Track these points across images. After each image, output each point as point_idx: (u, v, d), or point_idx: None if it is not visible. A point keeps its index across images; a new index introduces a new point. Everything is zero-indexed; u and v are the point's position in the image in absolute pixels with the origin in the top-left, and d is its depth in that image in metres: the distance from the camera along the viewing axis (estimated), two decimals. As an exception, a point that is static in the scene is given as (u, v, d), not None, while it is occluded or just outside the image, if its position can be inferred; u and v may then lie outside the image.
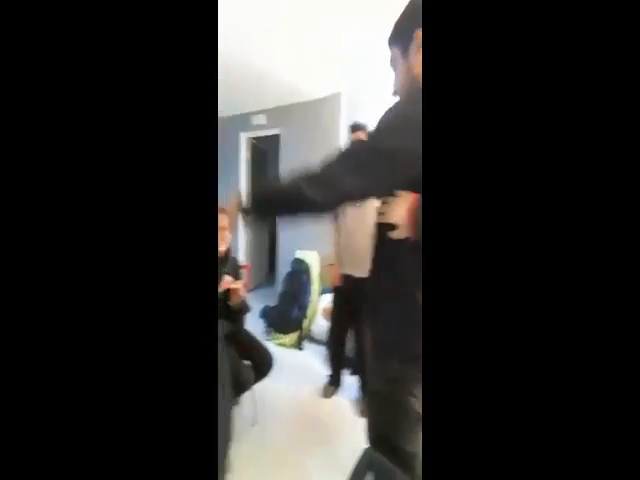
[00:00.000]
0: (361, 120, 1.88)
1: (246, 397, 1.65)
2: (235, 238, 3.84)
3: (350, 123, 1.90)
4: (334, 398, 1.99)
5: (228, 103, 3.43)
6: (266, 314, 2.88)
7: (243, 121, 3.81)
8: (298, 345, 2.68)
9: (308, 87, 2.90)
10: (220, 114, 3.87)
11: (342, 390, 2.04)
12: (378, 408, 0.68)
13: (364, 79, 2.68)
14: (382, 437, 0.65)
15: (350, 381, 2.07)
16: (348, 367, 2.17)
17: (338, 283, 1.90)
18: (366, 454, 0.61)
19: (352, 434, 1.55)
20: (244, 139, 3.88)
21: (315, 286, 2.90)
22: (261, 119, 3.64)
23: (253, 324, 2.66)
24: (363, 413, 1.74)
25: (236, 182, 3.93)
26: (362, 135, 1.79)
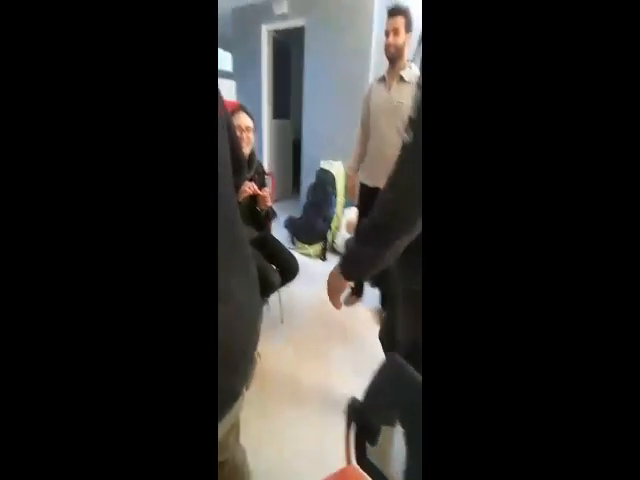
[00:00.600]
0: (401, 2, 1.58)
1: (273, 298, 1.76)
2: (258, 142, 3.70)
3: (388, 6, 1.60)
4: (356, 306, 2.09)
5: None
6: (290, 224, 2.92)
7: (264, 11, 3.34)
8: (322, 256, 2.76)
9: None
10: (237, 2, 3.39)
11: (363, 300, 2.14)
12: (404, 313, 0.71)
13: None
14: (409, 341, 0.69)
15: (371, 292, 2.15)
16: (370, 279, 2.25)
17: (356, 194, 1.85)
18: (388, 364, 0.63)
19: (372, 338, 1.67)
20: (265, 32, 3.46)
21: (340, 198, 2.85)
22: (283, 6, 3.17)
23: (277, 233, 2.74)
24: (380, 320, 1.84)
25: (257, 83, 3.64)
26: (401, 22, 1.52)
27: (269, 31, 3.47)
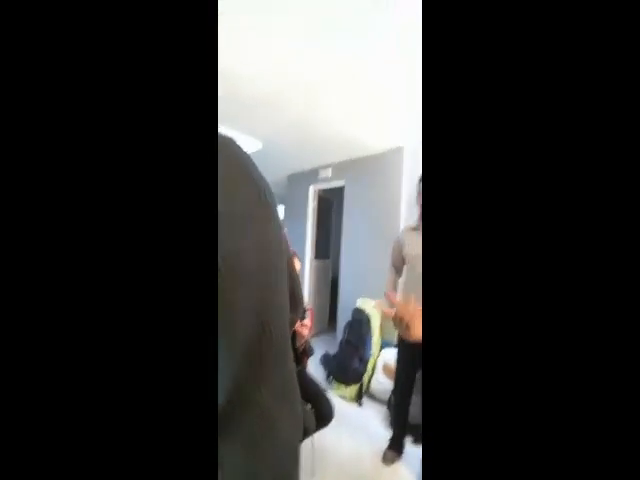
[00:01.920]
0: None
1: (306, 444, 1.60)
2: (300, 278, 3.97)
3: (418, 175, 1.97)
4: (396, 466, 1.83)
5: (298, 159, 3.74)
6: (327, 361, 2.84)
7: (312, 175, 4.10)
8: (358, 400, 2.57)
9: (372, 141, 3.05)
10: (292, 171, 4.23)
11: (404, 459, 1.87)
12: None
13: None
14: None
15: (413, 451, 1.90)
16: (411, 434, 2.01)
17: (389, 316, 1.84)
18: None
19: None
20: (312, 191, 4.15)
21: (375, 338, 2.81)
22: (327, 172, 3.88)
23: (313, 370, 2.64)
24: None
25: (303, 230, 4.16)
26: None
27: (315, 190, 4.16)
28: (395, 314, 0.77)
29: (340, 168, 3.74)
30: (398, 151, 3.11)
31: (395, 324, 0.78)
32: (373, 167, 3.37)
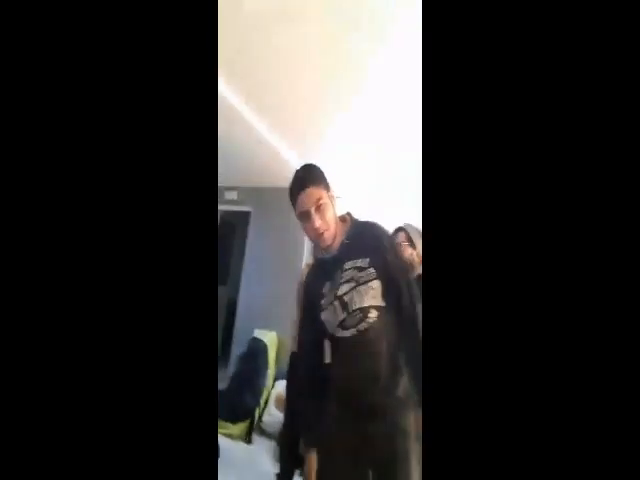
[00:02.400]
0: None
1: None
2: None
3: None
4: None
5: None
6: (214, 399, 2.64)
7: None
8: (247, 437, 2.43)
9: (284, 173, 3.12)
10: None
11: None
12: None
13: (337, 171, 2.96)
14: None
15: (301, 483, 1.87)
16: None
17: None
18: None
19: None
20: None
21: (270, 370, 2.76)
22: (233, 195, 3.80)
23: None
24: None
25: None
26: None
27: (219, 211, 3.99)
28: None
29: (247, 193, 3.70)
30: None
31: None
32: (282, 198, 3.42)
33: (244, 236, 3.74)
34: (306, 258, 3.05)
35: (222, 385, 2.79)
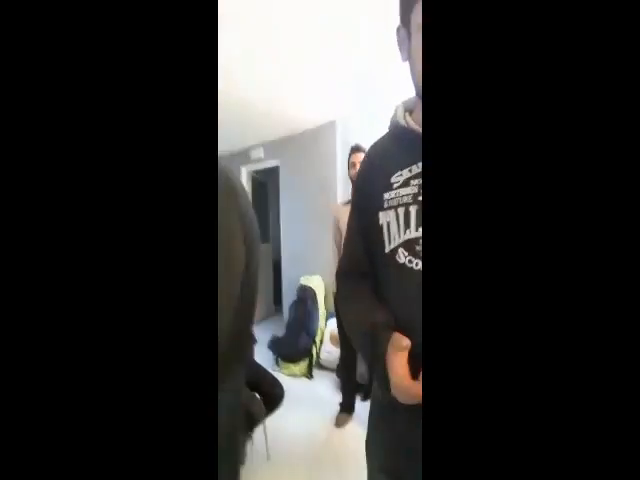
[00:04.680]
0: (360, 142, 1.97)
1: (258, 432, 1.61)
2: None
3: (352, 145, 2.00)
4: (348, 427, 1.91)
5: (227, 140, 3.56)
6: (274, 345, 2.84)
7: (243, 156, 3.94)
8: (308, 373, 2.62)
9: (303, 118, 3.01)
10: (220, 152, 4.01)
11: (355, 417, 1.97)
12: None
13: (357, 105, 2.78)
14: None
15: (362, 406, 2.00)
16: (360, 392, 2.12)
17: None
18: None
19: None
20: (245, 173, 3.99)
21: (321, 311, 2.87)
22: (259, 152, 3.76)
23: (262, 356, 2.62)
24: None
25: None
26: (361, 157, 1.87)
27: (248, 172, 4.01)
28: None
29: (272, 147, 3.65)
30: (330, 125, 3.09)
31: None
32: (306, 144, 3.33)
33: (277, 191, 3.75)
34: (340, 199, 3.00)
35: (280, 332, 2.99)
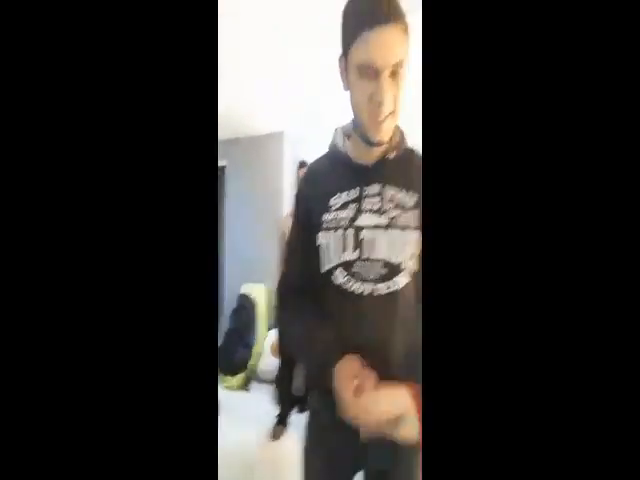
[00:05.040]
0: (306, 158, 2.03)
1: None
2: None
3: (298, 160, 2.07)
4: (283, 439, 1.89)
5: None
6: (210, 354, 2.72)
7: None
8: (245, 386, 2.55)
9: (252, 123, 2.96)
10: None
11: (293, 429, 1.95)
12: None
13: (306, 117, 2.81)
14: None
15: (298, 418, 1.99)
16: (296, 404, 2.10)
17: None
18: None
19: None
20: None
21: (262, 321, 2.82)
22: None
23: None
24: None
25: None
26: None
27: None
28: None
29: (221, 147, 3.52)
30: (278, 136, 3.09)
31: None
32: (254, 149, 3.27)
33: (222, 193, 3.61)
34: (287, 207, 2.99)
35: (218, 341, 2.87)
